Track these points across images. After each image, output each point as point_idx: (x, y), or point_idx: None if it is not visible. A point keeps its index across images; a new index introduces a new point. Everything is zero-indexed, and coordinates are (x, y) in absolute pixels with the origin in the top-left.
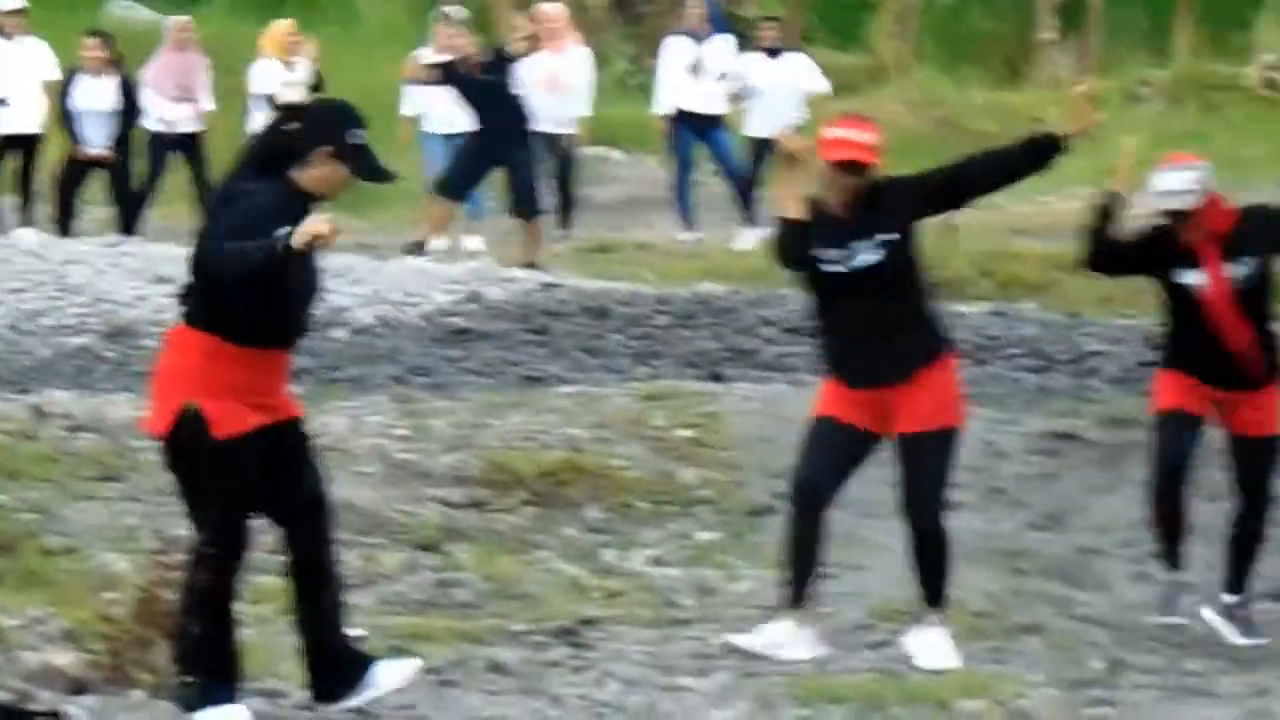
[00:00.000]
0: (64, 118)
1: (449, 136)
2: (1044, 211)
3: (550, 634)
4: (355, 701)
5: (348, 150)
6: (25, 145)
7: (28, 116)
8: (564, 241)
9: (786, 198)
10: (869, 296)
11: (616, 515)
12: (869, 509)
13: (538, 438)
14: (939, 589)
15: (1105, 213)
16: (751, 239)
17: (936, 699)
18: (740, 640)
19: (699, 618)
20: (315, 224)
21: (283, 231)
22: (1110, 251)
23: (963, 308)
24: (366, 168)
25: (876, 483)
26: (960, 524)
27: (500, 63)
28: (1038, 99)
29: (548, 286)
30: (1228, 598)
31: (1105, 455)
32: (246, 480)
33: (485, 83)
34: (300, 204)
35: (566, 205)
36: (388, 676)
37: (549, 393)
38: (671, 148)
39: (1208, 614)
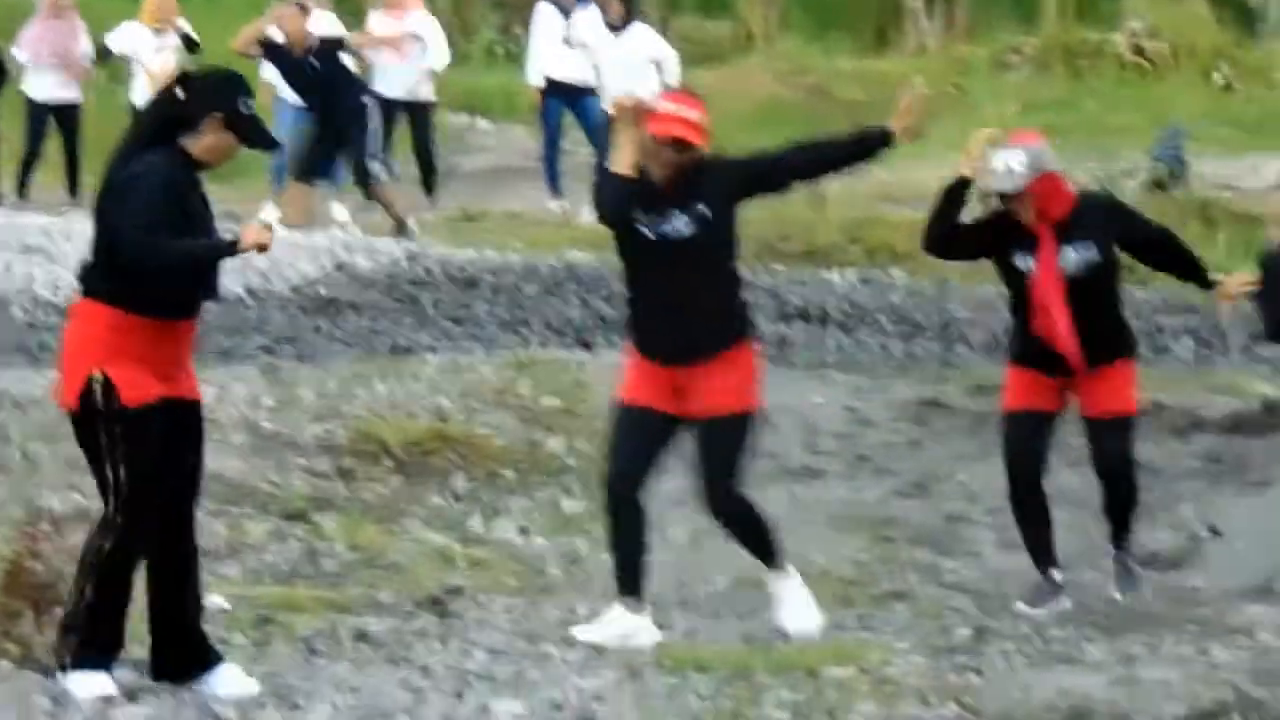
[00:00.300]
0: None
1: (300, 108)
2: (912, 179)
3: (417, 604)
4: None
5: (238, 118)
6: None
7: None
8: (431, 211)
9: (622, 156)
10: (676, 269)
11: (483, 485)
12: None
13: (405, 407)
14: (769, 553)
15: (951, 196)
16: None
17: (804, 666)
18: (589, 635)
19: (566, 586)
20: (260, 233)
21: (228, 237)
22: (950, 236)
23: (831, 275)
24: (256, 136)
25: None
26: (827, 492)
27: (330, 43)
28: (906, 66)
29: (414, 256)
30: (1115, 551)
31: (972, 423)
32: (153, 449)
33: (305, 63)
34: (190, 172)
35: (429, 174)
36: (226, 684)
37: (416, 362)
38: (541, 117)
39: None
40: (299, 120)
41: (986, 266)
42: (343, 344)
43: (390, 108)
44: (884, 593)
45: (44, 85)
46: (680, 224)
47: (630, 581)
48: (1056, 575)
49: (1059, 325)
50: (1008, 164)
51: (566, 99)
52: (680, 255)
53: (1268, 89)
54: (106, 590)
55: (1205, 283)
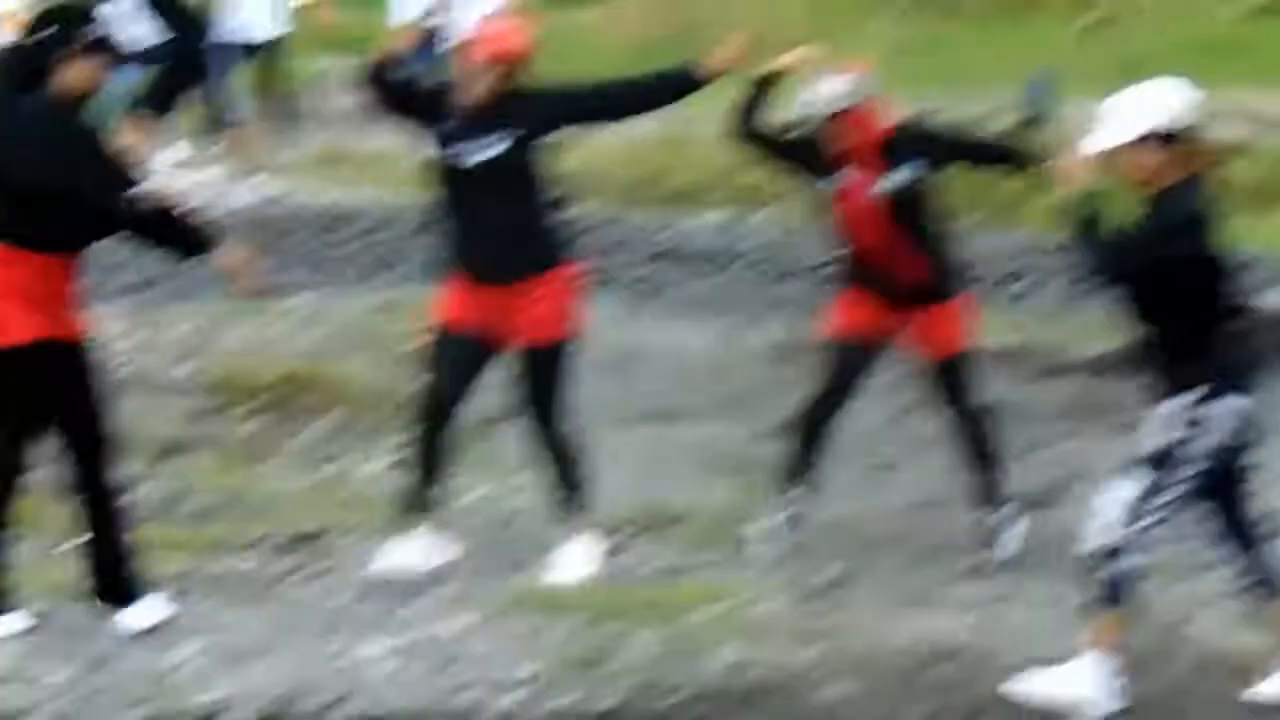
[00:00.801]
0: None
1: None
2: (779, 119)
3: (283, 543)
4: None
5: (94, 44)
6: None
7: None
8: (292, 151)
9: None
10: (484, 194)
11: (348, 425)
12: (598, 416)
13: (268, 349)
14: (570, 497)
15: (760, 88)
16: None
17: (670, 608)
18: (378, 568)
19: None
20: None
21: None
22: (763, 136)
23: (698, 217)
24: (115, 54)
25: (607, 391)
26: (695, 432)
27: None
28: (774, 5)
29: (276, 198)
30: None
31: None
32: (24, 391)
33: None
34: (75, 110)
35: (286, 114)
36: (136, 616)
37: (280, 304)
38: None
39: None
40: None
41: None
42: (205, 285)
43: (243, 48)
44: (748, 534)
45: None
46: (487, 148)
47: (424, 501)
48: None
49: (886, 248)
50: (823, 95)
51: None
52: (485, 180)
53: (1135, 31)
54: None
55: (1035, 160)
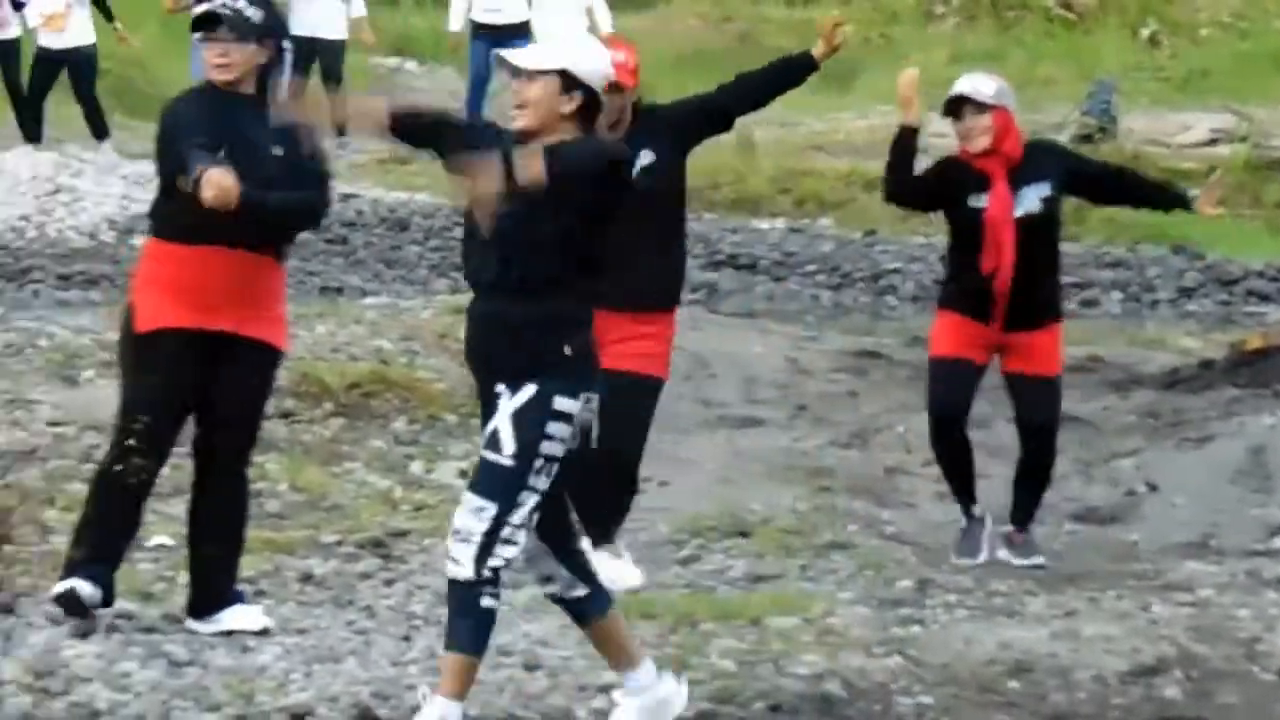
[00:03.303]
0: None
1: None
2: (841, 128)
3: (361, 546)
4: (200, 627)
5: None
6: None
7: None
8: (357, 153)
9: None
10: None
11: (425, 428)
12: (672, 425)
13: (345, 350)
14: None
15: (901, 145)
16: None
17: (748, 616)
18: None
19: None
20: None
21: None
22: (908, 184)
23: (760, 224)
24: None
25: (679, 398)
26: (766, 441)
27: None
28: (833, 15)
29: (347, 197)
30: (1007, 528)
31: (910, 374)
32: (163, 380)
33: None
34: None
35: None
36: (235, 618)
37: (354, 304)
38: (470, 59)
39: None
40: None
41: (915, 218)
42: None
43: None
44: (825, 543)
45: None
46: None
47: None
48: (978, 512)
49: (1005, 261)
50: (975, 83)
51: (493, 41)
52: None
53: (1194, 44)
54: (93, 505)
55: (1180, 200)
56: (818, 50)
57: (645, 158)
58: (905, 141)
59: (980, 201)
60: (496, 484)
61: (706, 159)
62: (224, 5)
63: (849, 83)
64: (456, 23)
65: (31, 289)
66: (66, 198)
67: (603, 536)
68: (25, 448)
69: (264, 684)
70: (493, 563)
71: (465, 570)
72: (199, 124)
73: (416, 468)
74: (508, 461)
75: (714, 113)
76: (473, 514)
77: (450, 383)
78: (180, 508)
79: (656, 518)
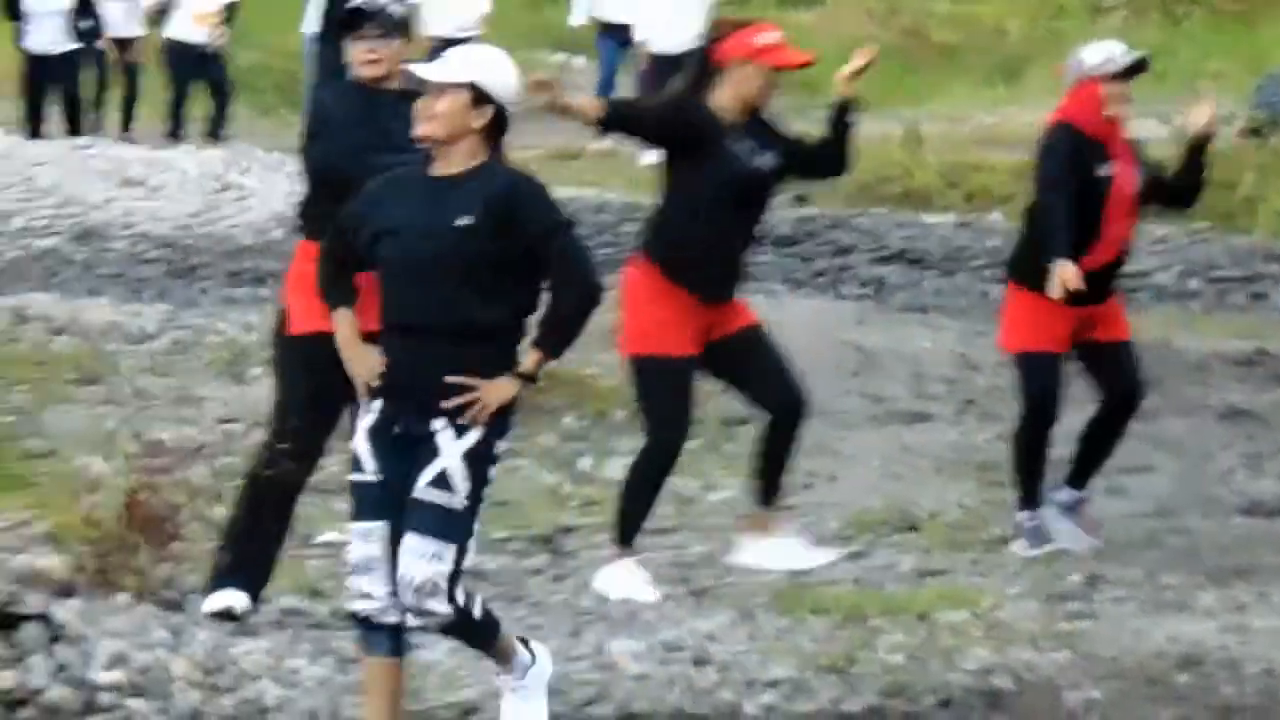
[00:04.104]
0: (13, 18)
1: None
2: (1009, 122)
3: (531, 541)
4: None
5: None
6: None
7: None
8: (533, 147)
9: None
10: (746, 207)
11: (594, 424)
12: (840, 420)
13: None
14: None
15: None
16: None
17: (916, 611)
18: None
19: (678, 526)
20: None
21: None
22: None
23: (929, 218)
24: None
25: (847, 393)
26: (934, 436)
27: None
28: (1000, 9)
29: None
30: (1068, 494)
31: (1076, 367)
32: (316, 383)
33: None
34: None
35: None
36: None
37: None
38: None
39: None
40: None
41: None
42: None
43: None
44: (993, 538)
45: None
46: (766, 157)
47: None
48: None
49: (1127, 232)
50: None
51: (619, 38)
52: (760, 190)
53: None
54: (243, 509)
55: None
56: (842, 89)
57: (770, 159)
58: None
59: (1108, 170)
60: (452, 526)
61: (873, 154)
62: (368, 2)
63: (1017, 76)
64: (578, 18)
65: (200, 286)
66: (234, 194)
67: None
68: (194, 444)
69: (432, 680)
70: (460, 595)
71: (444, 609)
72: (347, 120)
73: (585, 463)
74: (461, 503)
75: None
76: (432, 560)
77: (618, 379)
78: (345, 504)
79: (825, 513)
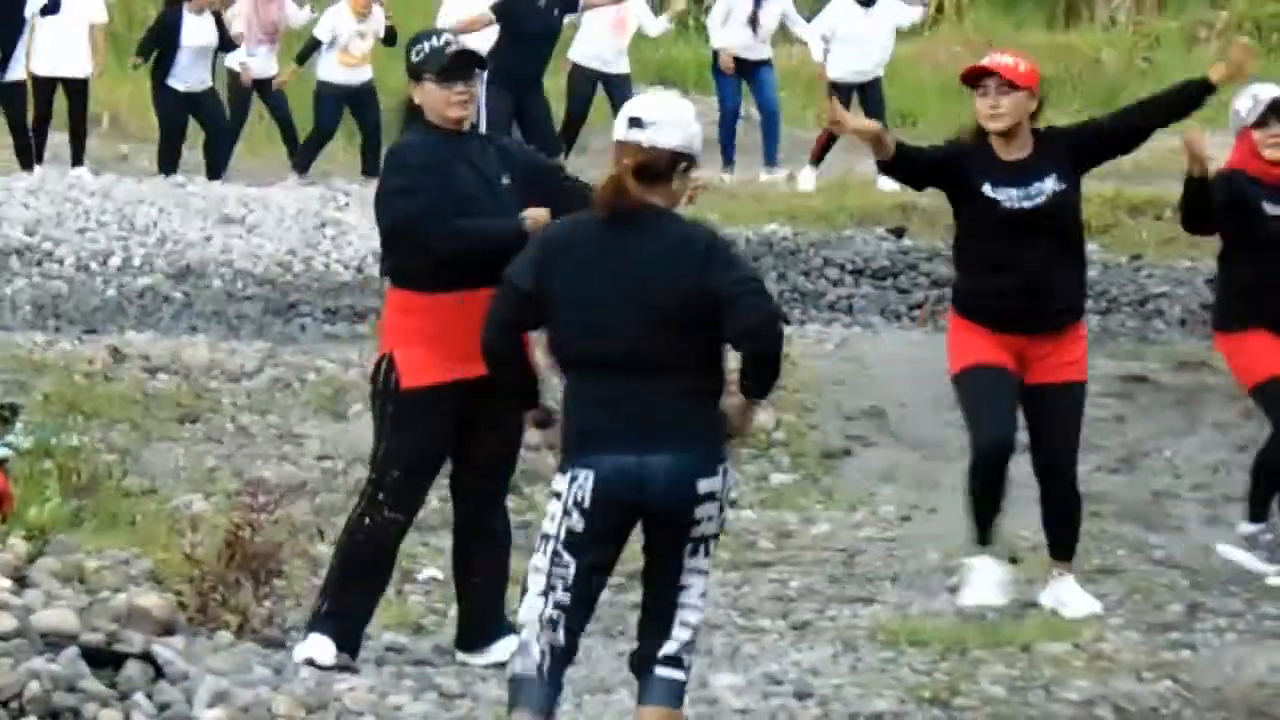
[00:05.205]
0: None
1: None
2: None
3: (629, 576)
4: (471, 660)
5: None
6: (74, 88)
7: (78, 60)
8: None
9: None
10: (1034, 238)
11: None
12: (938, 451)
13: None
14: (1070, 540)
15: (1191, 194)
16: (811, 180)
17: (1018, 642)
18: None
19: (778, 560)
20: (541, 213)
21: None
22: (1207, 219)
23: None
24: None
25: (946, 425)
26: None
27: None
28: (1096, 40)
29: None
30: (1251, 527)
31: (1177, 398)
32: (427, 435)
33: None
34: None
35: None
36: (505, 650)
37: None
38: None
39: (1225, 549)
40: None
41: (1182, 239)
42: None
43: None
44: (1094, 568)
45: (249, 59)
46: (1035, 191)
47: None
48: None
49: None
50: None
51: (740, 72)
52: (1045, 223)
53: None
54: (341, 559)
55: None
56: (1216, 74)
57: (1052, 184)
58: (1194, 190)
59: (1273, 209)
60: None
61: None
62: (464, 48)
63: (1113, 107)
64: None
65: (299, 323)
66: (332, 231)
67: (1064, 554)
68: (294, 482)
69: None
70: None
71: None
72: (440, 172)
73: None
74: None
75: (1118, 133)
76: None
77: None
78: (449, 541)
79: (926, 545)
